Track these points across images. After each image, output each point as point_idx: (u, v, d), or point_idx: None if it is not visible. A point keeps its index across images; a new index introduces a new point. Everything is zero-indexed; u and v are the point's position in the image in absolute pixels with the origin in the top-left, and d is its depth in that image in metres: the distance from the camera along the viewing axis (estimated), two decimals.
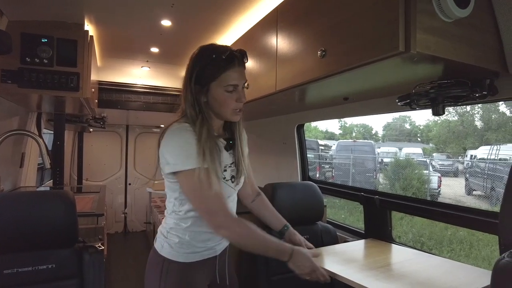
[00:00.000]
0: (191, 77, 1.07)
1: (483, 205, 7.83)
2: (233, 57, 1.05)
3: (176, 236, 1.12)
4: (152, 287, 1.12)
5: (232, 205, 1.21)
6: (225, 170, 1.14)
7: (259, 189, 1.41)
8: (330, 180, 10.98)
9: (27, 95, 1.82)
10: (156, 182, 5.14)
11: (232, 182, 1.17)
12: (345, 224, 2.20)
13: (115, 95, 3.37)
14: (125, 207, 5.07)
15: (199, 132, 1.03)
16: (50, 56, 1.75)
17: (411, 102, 1.31)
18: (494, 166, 8.26)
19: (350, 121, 26.21)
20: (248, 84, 1.88)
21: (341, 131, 26.14)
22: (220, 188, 1.06)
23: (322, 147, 13.34)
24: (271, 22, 1.63)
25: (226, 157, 1.15)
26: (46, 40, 1.74)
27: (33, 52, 1.72)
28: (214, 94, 1.06)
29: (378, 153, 13.93)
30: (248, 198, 1.37)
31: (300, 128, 2.63)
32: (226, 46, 1.09)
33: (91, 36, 1.93)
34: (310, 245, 1.29)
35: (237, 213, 1.71)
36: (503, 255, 0.70)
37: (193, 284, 1.13)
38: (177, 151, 1.03)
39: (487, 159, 9.15)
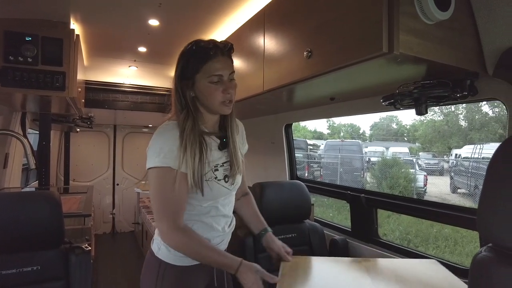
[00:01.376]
0: (177, 72, 1.06)
1: (467, 203, 8.02)
2: (215, 47, 1.03)
3: None
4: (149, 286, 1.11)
5: (226, 208, 1.16)
6: (216, 170, 1.09)
7: (248, 190, 1.38)
8: (318, 179, 11.06)
9: (11, 94, 1.79)
10: (144, 182, 5.10)
11: (226, 181, 1.11)
12: (332, 222, 2.23)
13: (103, 95, 3.34)
14: (113, 207, 5.02)
15: (182, 125, 1.01)
16: (35, 55, 1.72)
17: (395, 102, 1.34)
18: (478, 165, 8.47)
19: (338, 121, 26.46)
20: (236, 84, 1.89)
21: (330, 131, 26.35)
22: (197, 192, 1.03)
23: (311, 147, 13.45)
24: (259, 22, 1.64)
25: (218, 156, 1.11)
26: (30, 38, 1.71)
27: (17, 51, 1.68)
28: (199, 86, 1.04)
29: (366, 152, 14.11)
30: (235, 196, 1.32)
31: (288, 127, 2.65)
32: (210, 39, 1.06)
33: (77, 35, 1.91)
34: (288, 250, 1.23)
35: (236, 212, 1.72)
36: (480, 249, 0.72)
37: (190, 287, 1.12)
38: (152, 148, 1.01)
39: (471, 158, 9.36)
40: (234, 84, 1.07)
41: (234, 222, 1.23)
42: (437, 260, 1.51)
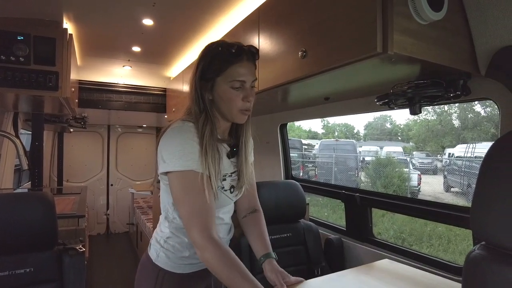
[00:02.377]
0: (196, 72, 0.99)
1: (461, 201, 8.11)
2: (241, 51, 0.96)
3: (174, 247, 1.05)
4: None
5: (226, 216, 1.12)
6: (224, 180, 1.03)
7: (259, 206, 1.26)
8: (313, 179, 11.09)
9: (3, 94, 1.77)
10: (138, 183, 5.08)
11: (231, 192, 1.07)
12: (327, 222, 2.23)
13: (96, 95, 3.32)
14: (107, 208, 5.00)
15: (202, 130, 0.95)
16: (27, 54, 1.70)
17: (389, 101, 1.35)
18: (470, 164, 8.56)
19: (332, 120, 26.54)
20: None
21: (324, 131, 26.42)
22: (214, 198, 0.96)
23: (306, 146, 13.48)
24: (253, 22, 1.64)
25: (228, 165, 1.05)
26: (22, 37, 1.69)
27: (9, 50, 1.66)
28: (219, 90, 0.97)
29: (360, 152, 14.17)
30: (241, 212, 1.23)
31: (283, 127, 2.66)
32: (235, 42, 0.99)
33: (70, 34, 1.89)
34: (286, 278, 1.08)
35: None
36: (473, 247, 0.73)
37: None
38: (173, 149, 0.93)
39: (464, 157, 9.46)
40: (254, 92, 1.02)
41: (233, 229, 1.20)
42: (431, 258, 1.53)
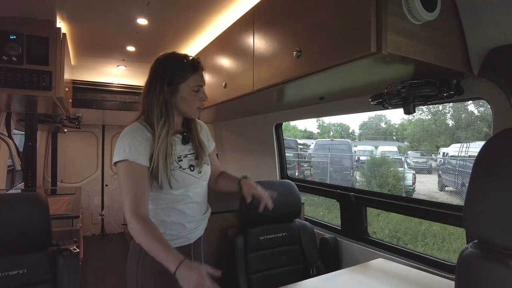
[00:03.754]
0: (163, 80, 1.18)
1: (455, 200, 8.17)
2: (199, 62, 1.23)
3: None
4: (131, 273, 1.20)
5: (196, 195, 1.27)
6: (180, 160, 1.22)
7: (222, 169, 1.50)
8: (309, 178, 11.11)
9: None
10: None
11: (192, 170, 1.24)
12: (322, 221, 2.24)
13: (90, 95, 3.28)
14: (102, 208, 4.95)
15: (159, 131, 1.16)
16: (20, 54, 1.68)
17: (384, 101, 1.36)
18: (464, 163, 8.63)
19: (327, 120, 26.60)
20: (226, 84, 1.89)
21: (319, 130, 26.48)
22: (166, 183, 1.15)
23: (301, 146, 13.48)
24: (248, 22, 1.64)
25: (181, 149, 1.25)
26: (14, 36, 1.67)
27: (1, 49, 1.64)
28: (183, 94, 1.20)
29: (355, 151, 14.21)
30: (214, 184, 1.46)
31: (279, 127, 2.66)
32: (188, 54, 1.25)
33: (64, 34, 1.87)
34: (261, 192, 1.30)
35: (221, 212, 1.78)
36: (466, 245, 0.74)
37: (165, 269, 1.12)
38: (121, 145, 1.13)
39: (458, 156, 9.53)
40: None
41: (209, 210, 1.37)
42: (426, 257, 1.54)
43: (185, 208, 1.23)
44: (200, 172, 1.27)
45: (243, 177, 1.36)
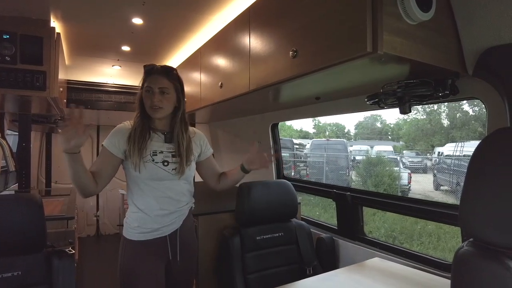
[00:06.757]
0: (141, 82, 1.42)
1: (450, 199, 8.22)
2: (151, 68, 1.40)
3: (128, 220, 1.39)
4: (119, 260, 1.39)
5: (172, 190, 1.40)
6: (155, 154, 1.37)
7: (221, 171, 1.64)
8: (305, 178, 11.12)
9: None
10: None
11: (165, 165, 1.37)
12: (318, 221, 2.24)
13: (85, 95, 3.26)
14: (97, 209, 4.92)
15: (135, 123, 1.38)
16: (13, 53, 1.67)
17: (380, 101, 1.36)
18: (459, 162, 8.69)
19: (323, 120, 26.61)
20: (222, 84, 1.88)
21: (315, 130, 26.49)
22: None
23: (297, 146, 13.49)
24: (244, 21, 1.63)
25: (159, 145, 1.39)
26: (8, 36, 1.66)
27: None
28: (141, 93, 1.40)
29: (351, 151, 14.25)
30: (216, 185, 1.60)
31: (275, 127, 2.66)
32: (153, 64, 1.43)
33: (58, 33, 1.86)
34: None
35: (217, 212, 1.85)
36: (462, 244, 0.74)
37: (143, 256, 1.36)
38: (109, 135, 1.38)
39: (453, 155, 9.59)
40: (164, 96, 1.37)
41: (188, 206, 1.48)
42: (421, 256, 1.55)
43: (161, 200, 1.37)
44: (175, 169, 1.38)
45: (242, 167, 1.52)
